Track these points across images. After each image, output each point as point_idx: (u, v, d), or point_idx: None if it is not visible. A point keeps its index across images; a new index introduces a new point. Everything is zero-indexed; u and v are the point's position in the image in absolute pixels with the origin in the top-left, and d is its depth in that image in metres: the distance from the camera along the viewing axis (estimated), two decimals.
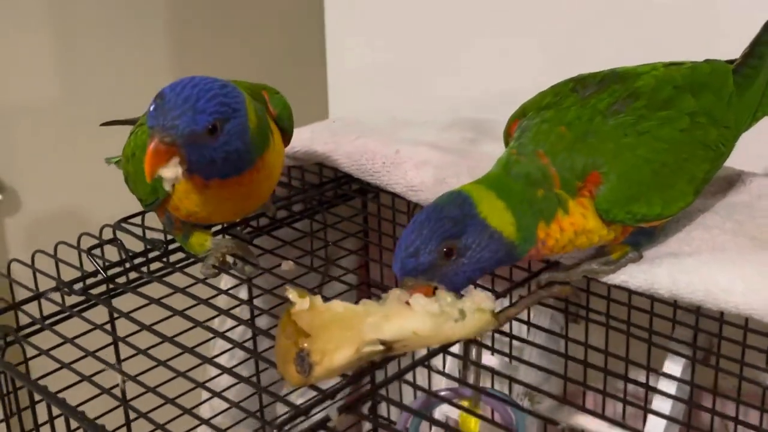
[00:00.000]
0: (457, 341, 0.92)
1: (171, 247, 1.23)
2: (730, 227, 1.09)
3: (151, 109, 0.95)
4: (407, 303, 0.89)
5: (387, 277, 1.40)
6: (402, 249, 0.92)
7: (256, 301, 1.36)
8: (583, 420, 1.20)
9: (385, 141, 1.34)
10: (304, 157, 1.40)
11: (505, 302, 1.07)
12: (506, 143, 1.09)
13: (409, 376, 1.02)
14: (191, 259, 1.21)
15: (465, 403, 1.12)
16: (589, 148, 0.99)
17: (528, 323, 1.20)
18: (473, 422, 1.17)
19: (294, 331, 0.89)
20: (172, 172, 0.95)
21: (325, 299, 0.90)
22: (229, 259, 1.16)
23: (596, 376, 1.17)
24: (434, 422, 1.00)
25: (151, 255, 1.22)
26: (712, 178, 1.07)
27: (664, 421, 1.08)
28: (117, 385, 1.00)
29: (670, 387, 1.07)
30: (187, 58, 2.39)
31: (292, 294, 0.92)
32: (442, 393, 1.11)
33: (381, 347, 0.88)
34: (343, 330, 0.89)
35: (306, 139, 1.40)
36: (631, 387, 1.20)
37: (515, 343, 1.26)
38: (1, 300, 1.13)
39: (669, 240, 1.08)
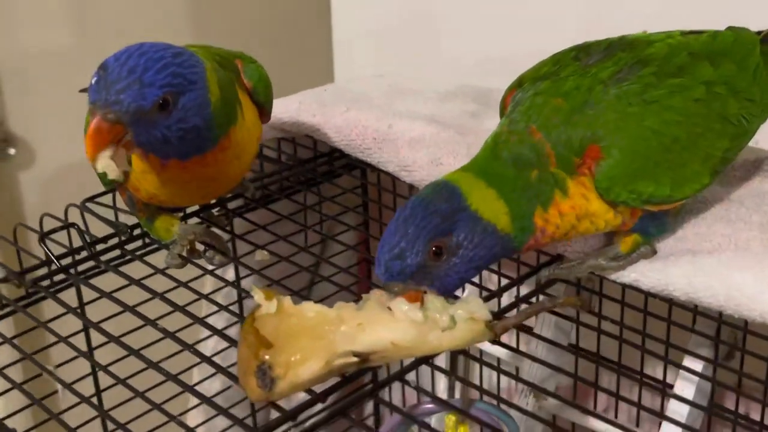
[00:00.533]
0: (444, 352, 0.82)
1: (137, 232, 1.11)
2: (758, 221, 0.98)
3: (93, 81, 0.83)
4: (388, 308, 0.79)
5: None
6: (386, 251, 0.82)
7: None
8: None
9: (378, 114, 1.24)
10: (292, 129, 1.29)
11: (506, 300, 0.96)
12: (502, 116, 0.99)
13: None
14: (155, 246, 1.10)
15: (452, 418, 1.02)
16: (587, 119, 0.89)
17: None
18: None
19: (255, 339, 0.79)
20: (115, 170, 0.83)
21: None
22: (199, 247, 1.05)
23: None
24: None
25: (116, 240, 1.10)
26: (734, 158, 0.97)
27: None
28: (56, 392, 0.89)
29: (682, 407, 0.97)
30: (201, 12, 2.30)
31: (257, 294, 0.82)
32: (427, 406, 1.01)
33: (355, 359, 0.79)
34: (313, 339, 0.80)
35: (293, 110, 1.29)
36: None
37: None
38: None
39: (686, 234, 0.98)
